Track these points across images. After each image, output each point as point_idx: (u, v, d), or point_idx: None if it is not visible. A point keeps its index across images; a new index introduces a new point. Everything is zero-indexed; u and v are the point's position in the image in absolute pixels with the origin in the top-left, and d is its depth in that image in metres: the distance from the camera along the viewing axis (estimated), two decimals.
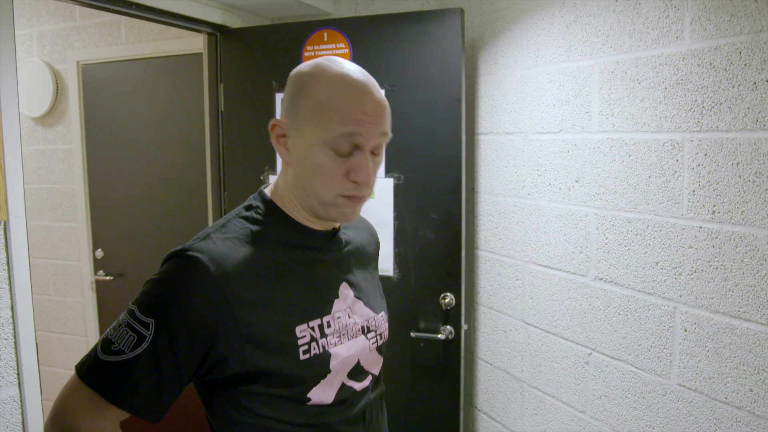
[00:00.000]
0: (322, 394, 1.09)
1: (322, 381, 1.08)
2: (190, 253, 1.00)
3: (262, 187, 1.18)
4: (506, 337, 2.32)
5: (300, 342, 1.05)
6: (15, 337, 1.76)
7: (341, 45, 2.38)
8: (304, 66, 1.08)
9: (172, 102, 3.28)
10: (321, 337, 1.08)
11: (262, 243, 1.07)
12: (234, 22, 2.64)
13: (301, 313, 1.07)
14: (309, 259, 1.13)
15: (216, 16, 2.55)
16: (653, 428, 1.71)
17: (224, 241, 1.04)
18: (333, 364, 1.09)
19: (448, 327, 2.35)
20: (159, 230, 3.39)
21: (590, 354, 1.92)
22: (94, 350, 0.98)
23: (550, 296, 2.08)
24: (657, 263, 1.68)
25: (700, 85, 1.53)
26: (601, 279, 1.86)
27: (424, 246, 2.33)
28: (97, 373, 0.95)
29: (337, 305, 1.14)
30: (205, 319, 0.98)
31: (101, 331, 3.58)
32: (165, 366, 0.97)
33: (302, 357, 1.05)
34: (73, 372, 0.99)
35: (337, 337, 1.11)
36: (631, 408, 1.79)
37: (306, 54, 2.44)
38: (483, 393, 2.50)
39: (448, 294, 2.34)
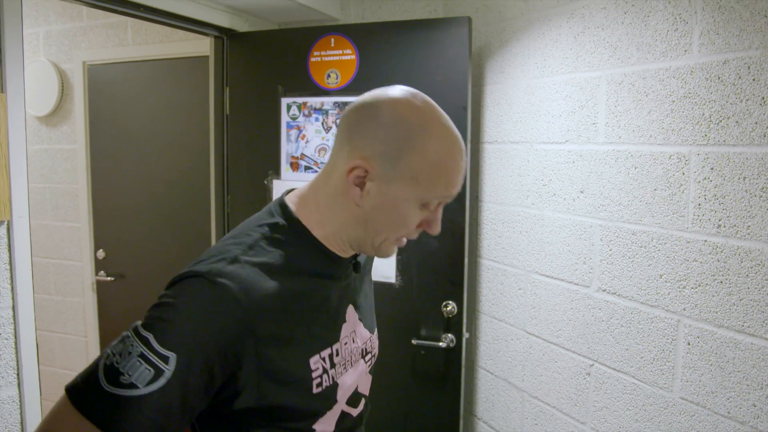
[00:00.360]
0: (326, 425, 1.06)
1: (327, 413, 1.05)
2: (221, 280, 0.90)
3: (284, 197, 1.07)
4: (507, 346, 2.32)
5: (314, 375, 1.01)
6: (16, 337, 1.76)
7: (348, 51, 2.38)
8: (404, 107, 0.97)
9: (177, 104, 3.28)
10: (331, 368, 1.04)
11: (287, 271, 0.98)
12: (241, 26, 2.64)
13: (316, 343, 1.03)
14: (327, 287, 1.06)
15: (223, 20, 2.55)
16: None
17: (252, 267, 0.95)
18: (339, 394, 1.07)
19: (449, 335, 2.35)
20: (161, 232, 3.39)
21: (592, 365, 1.92)
22: (93, 377, 0.86)
23: (552, 306, 2.08)
24: (661, 276, 1.67)
25: (707, 98, 1.53)
26: (605, 290, 1.86)
27: (426, 253, 2.33)
28: (98, 405, 0.85)
29: (344, 330, 1.10)
30: (228, 353, 0.90)
31: (101, 332, 3.58)
32: (178, 402, 0.88)
33: (315, 390, 1.01)
34: (62, 394, 0.88)
35: (342, 366, 1.08)
36: (632, 420, 1.78)
37: (313, 60, 2.44)
38: (483, 402, 2.49)
39: (450, 302, 2.33)
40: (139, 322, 0.90)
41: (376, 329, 1.25)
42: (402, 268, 2.38)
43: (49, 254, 3.74)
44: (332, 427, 1.07)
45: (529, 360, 2.20)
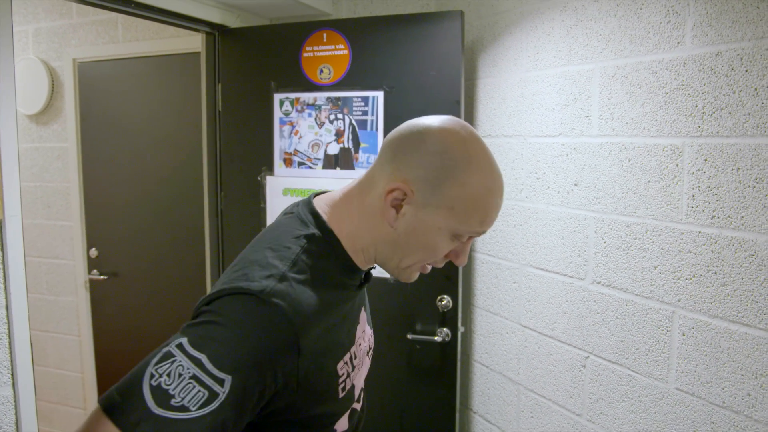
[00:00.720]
0: (343, 423, 1.08)
1: (346, 412, 1.08)
2: (276, 301, 0.89)
3: (313, 202, 1.08)
4: (503, 339, 2.33)
5: (340, 381, 1.03)
6: (9, 337, 1.75)
7: (341, 46, 2.38)
8: (450, 138, 0.98)
9: (168, 101, 3.27)
10: (351, 371, 1.07)
11: (323, 285, 0.99)
12: (233, 21, 2.63)
13: (341, 350, 1.04)
14: (351, 297, 1.09)
15: (215, 16, 2.54)
16: None
17: (299, 284, 0.95)
18: (355, 393, 1.11)
19: (444, 329, 2.35)
20: (154, 230, 3.37)
21: (587, 357, 1.92)
22: (138, 398, 0.80)
23: (547, 299, 2.08)
24: (655, 267, 1.68)
25: (700, 90, 1.53)
26: (599, 283, 1.86)
27: None
28: (146, 427, 0.79)
29: (358, 331, 1.12)
30: (278, 372, 0.89)
31: (95, 331, 3.57)
32: (231, 423, 0.85)
33: (340, 395, 1.03)
34: (96, 410, 0.83)
35: (357, 368, 1.10)
36: (627, 411, 1.79)
37: (305, 55, 2.44)
38: (479, 395, 2.50)
39: (445, 296, 2.34)
40: (183, 339, 0.85)
41: (372, 326, 1.28)
42: None
43: (41, 253, 3.72)
44: (347, 423, 1.09)
45: (524, 353, 2.21)
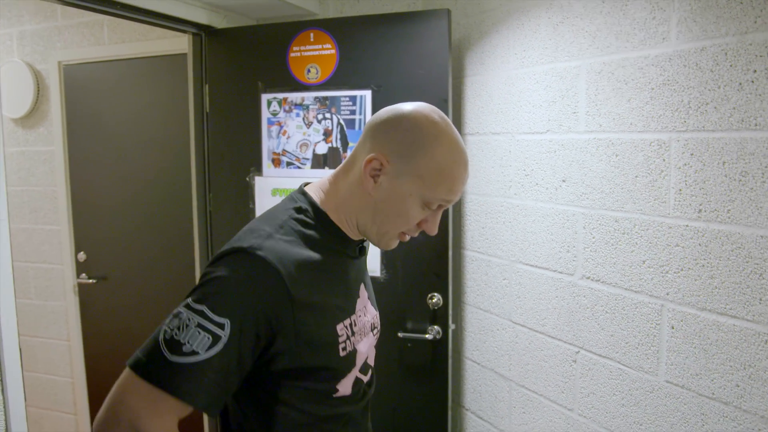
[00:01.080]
0: (345, 386, 1.19)
1: (348, 375, 1.18)
2: (260, 253, 1.03)
3: (304, 187, 1.23)
4: (494, 336, 2.34)
5: (340, 340, 1.14)
6: None
7: (327, 46, 2.38)
8: (420, 116, 1.12)
9: (156, 103, 3.25)
10: (352, 335, 1.18)
11: (314, 247, 1.13)
12: (219, 22, 2.63)
13: (340, 312, 1.17)
14: (345, 264, 1.22)
15: (201, 16, 2.53)
16: (641, 425, 1.73)
17: (286, 242, 1.09)
18: (357, 359, 1.21)
19: (435, 327, 2.36)
20: (143, 232, 3.36)
21: (578, 352, 1.94)
22: (156, 351, 0.98)
23: (537, 295, 2.09)
24: (644, 262, 1.69)
25: (686, 85, 1.55)
26: (589, 278, 1.88)
27: (411, 246, 2.33)
28: (167, 374, 0.97)
29: (359, 304, 1.24)
30: (272, 317, 1.03)
31: (84, 335, 3.55)
32: (235, 364, 1.01)
33: (341, 354, 1.15)
34: (125, 371, 1.00)
35: (359, 335, 1.22)
36: (619, 405, 1.80)
37: (292, 55, 2.44)
38: (471, 392, 2.51)
39: (436, 294, 2.34)
40: (188, 299, 1.02)
41: (377, 309, 1.40)
42: (387, 261, 2.38)
43: (28, 258, 3.70)
44: (350, 389, 1.20)
45: (515, 349, 2.22)
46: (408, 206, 1.13)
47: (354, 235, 1.21)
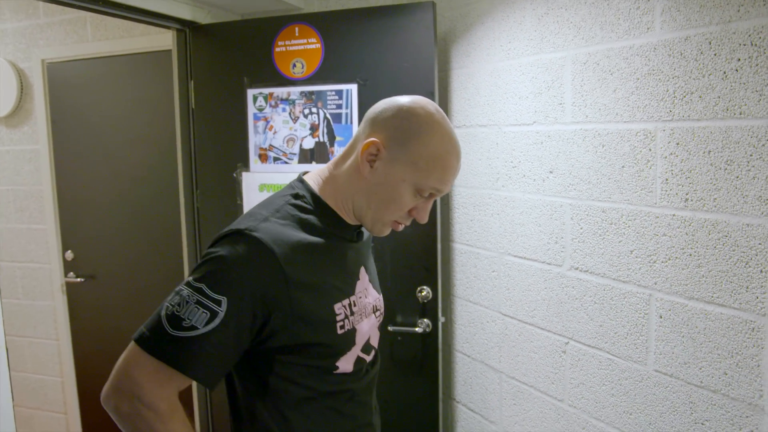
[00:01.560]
0: (346, 364, 1.24)
1: (348, 353, 1.23)
2: (256, 234, 1.10)
3: (303, 176, 1.28)
4: (483, 328, 2.34)
5: (338, 318, 1.19)
6: None
7: (313, 40, 2.37)
8: (417, 106, 1.17)
9: (141, 100, 3.23)
10: (351, 315, 1.23)
11: (310, 230, 1.18)
12: (203, 17, 2.61)
13: (338, 293, 1.22)
14: (343, 247, 1.26)
15: (185, 12, 2.51)
16: (630, 414, 1.74)
17: (281, 225, 1.15)
18: (357, 338, 1.25)
19: (425, 320, 2.36)
20: (130, 230, 3.34)
21: (567, 343, 1.94)
22: (158, 326, 1.05)
23: (526, 287, 2.10)
24: (632, 251, 1.70)
25: (671, 75, 1.55)
26: (577, 268, 1.88)
27: (400, 240, 2.33)
28: (168, 347, 1.04)
29: (359, 286, 1.29)
30: (267, 296, 1.09)
31: (73, 335, 3.53)
32: (232, 339, 1.07)
33: (339, 332, 1.19)
34: (131, 345, 1.07)
35: (359, 316, 1.27)
36: (608, 395, 1.81)
37: (277, 49, 2.42)
38: (461, 385, 2.51)
39: (425, 287, 2.34)
40: (190, 278, 1.09)
41: (381, 293, 1.45)
42: (375, 255, 2.36)
43: (15, 258, 3.67)
44: (351, 366, 1.25)
45: (505, 341, 2.23)
46: (401, 192, 1.18)
47: (351, 220, 1.25)
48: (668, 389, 1.62)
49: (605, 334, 1.80)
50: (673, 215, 1.57)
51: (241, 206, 2.54)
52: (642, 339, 1.69)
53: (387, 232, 1.25)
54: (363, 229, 1.32)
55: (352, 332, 1.24)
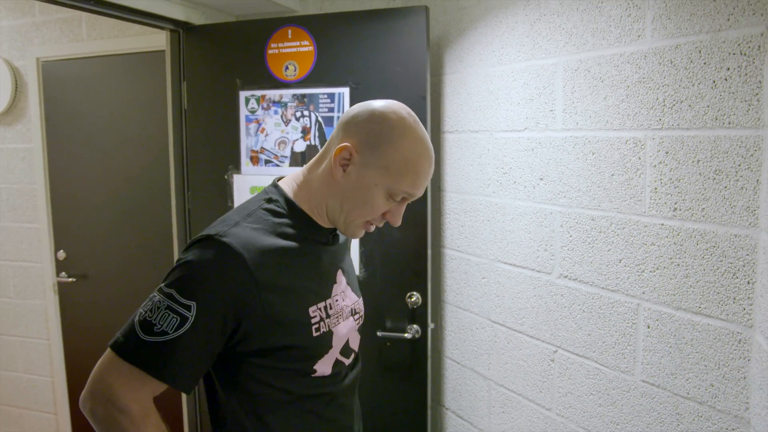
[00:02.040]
0: (324, 367, 1.24)
1: (325, 356, 1.23)
2: (225, 239, 1.10)
3: (277, 181, 1.29)
4: (473, 335, 2.32)
5: (313, 321, 1.20)
6: None
7: (305, 42, 2.36)
8: (389, 111, 1.18)
9: (135, 100, 3.22)
10: (327, 318, 1.23)
11: (283, 234, 1.19)
12: (197, 18, 2.60)
13: (313, 296, 1.22)
14: (317, 251, 1.27)
15: (179, 13, 2.50)
16: (617, 425, 1.72)
17: (252, 229, 1.15)
18: (334, 341, 1.25)
19: (414, 326, 2.34)
20: (123, 230, 3.33)
21: (555, 351, 1.93)
22: (132, 332, 1.07)
23: (515, 294, 2.08)
24: (620, 260, 1.69)
25: (661, 83, 1.54)
26: (566, 277, 1.87)
27: (390, 245, 2.32)
28: (140, 352, 1.06)
29: (335, 289, 1.29)
30: (237, 300, 1.10)
31: (64, 334, 3.51)
32: (202, 343, 1.09)
33: (314, 334, 1.20)
34: (107, 351, 1.10)
35: (336, 318, 1.27)
36: (596, 405, 1.79)
37: (270, 52, 2.41)
38: (450, 391, 2.50)
39: (415, 293, 2.33)
40: (162, 284, 1.11)
41: (360, 296, 1.45)
42: (365, 260, 2.36)
43: (7, 256, 3.66)
44: (329, 369, 1.25)
45: (494, 348, 2.21)
46: (373, 196, 1.19)
47: (324, 223, 1.26)
48: (655, 400, 1.61)
49: (593, 343, 1.79)
50: (662, 224, 1.56)
51: (231, 208, 2.52)
52: (630, 349, 1.67)
53: (361, 233, 1.27)
54: (338, 232, 1.33)
55: (329, 335, 1.24)
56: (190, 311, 1.06)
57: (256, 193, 1.29)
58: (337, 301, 1.29)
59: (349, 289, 1.37)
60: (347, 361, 1.33)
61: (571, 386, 1.88)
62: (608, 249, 1.72)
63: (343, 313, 1.31)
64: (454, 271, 2.41)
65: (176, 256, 2.75)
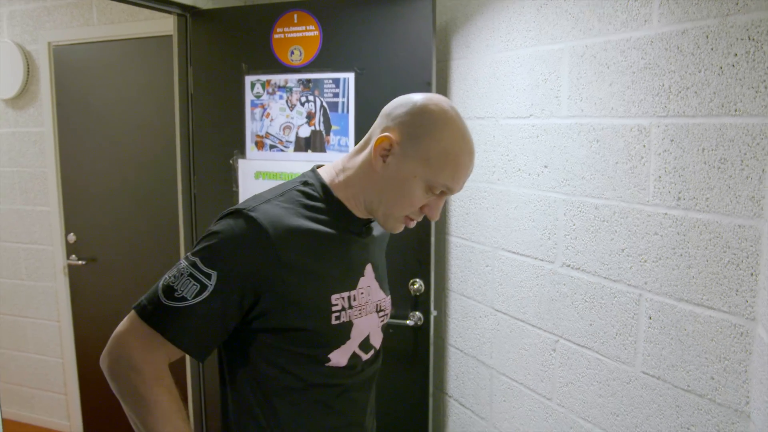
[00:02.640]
0: (339, 357, 1.23)
1: (342, 346, 1.22)
2: (253, 214, 1.12)
3: (316, 168, 1.29)
4: (476, 323, 2.31)
5: (333, 309, 1.19)
6: None
7: (311, 27, 2.34)
8: (431, 103, 1.17)
9: (144, 85, 3.22)
10: (348, 308, 1.22)
11: (313, 218, 1.19)
12: (204, 3, 2.59)
13: (337, 284, 1.21)
14: (347, 240, 1.25)
15: None
16: (617, 416, 1.70)
17: (282, 208, 1.16)
18: (353, 333, 1.24)
19: (417, 313, 2.33)
20: (132, 214, 3.34)
21: (557, 341, 1.91)
22: (155, 295, 1.10)
23: (518, 283, 2.06)
24: (623, 250, 1.66)
25: (667, 69, 1.50)
26: (569, 266, 1.84)
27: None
28: (160, 315, 1.09)
29: (362, 282, 1.28)
30: (258, 275, 1.10)
31: (74, 316, 3.55)
32: (219, 313, 1.10)
33: (333, 322, 1.19)
34: (131, 313, 1.12)
35: (358, 311, 1.25)
36: (596, 395, 1.77)
37: (276, 36, 2.40)
38: (453, 379, 2.49)
39: (417, 280, 2.32)
40: (189, 252, 1.14)
41: (389, 294, 1.43)
42: None
43: (19, 239, 3.70)
44: (345, 360, 1.24)
45: (497, 337, 2.20)
46: (412, 188, 1.17)
47: (361, 214, 1.25)
48: (655, 392, 1.58)
49: (595, 333, 1.77)
50: (665, 214, 1.53)
51: (237, 193, 2.53)
52: (631, 340, 1.65)
53: (400, 228, 1.25)
54: (374, 224, 1.33)
55: (348, 325, 1.23)
56: (210, 280, 1.08)
57: (293, 178, 1.29)
58: (362, 294, 1.27)
59: (377, 284, 1.35)
60: (365, 357, 1.30)
61: (571, 376, 1.86)
62: (611, 238, 1.70)
63: (367, 307, 1.29)
64: (458, 259, 2.40)
65: (182, 241, 2.76)
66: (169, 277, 1.12)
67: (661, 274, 1.55)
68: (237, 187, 2.53)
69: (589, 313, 1.78)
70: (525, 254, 2.02)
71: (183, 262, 1.12)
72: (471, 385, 2.37)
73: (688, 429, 1.50)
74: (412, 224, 1.25)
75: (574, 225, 1.82)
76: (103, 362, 1.12)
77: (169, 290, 1.10)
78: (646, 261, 1.59)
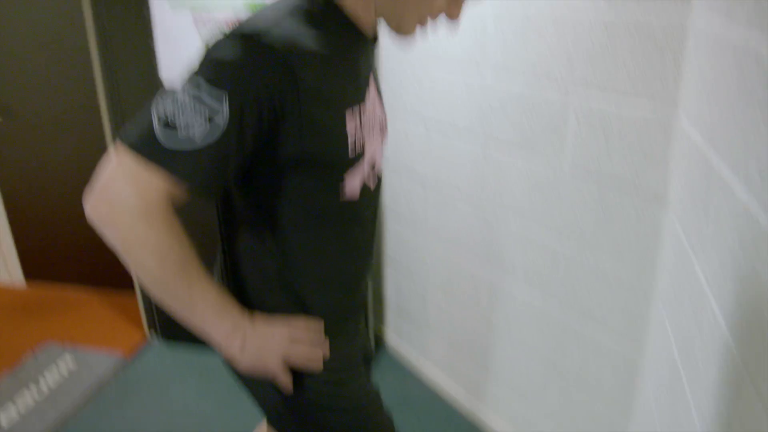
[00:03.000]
0: (353, 180, 1.16)
1: (356, 164, 1.15)
2: (265, 38, 0.97)
3: None
4: (408, 140, 2.34)
5: (348, 126, 1.10)
6: None
7: None
8: None
9: None
10: (359, 125, 1.13)
11: (323, 36, 1.06)
12: None
13: (348, 97, 1.11)
14: (355, 54, 1.15)
15: None
16: (546, 210, 1.80)
17: (294, 29, 1.02)
18: (367, 150, 1.17)
19: None
20: (38, 57, 3.11)
21: (486, 147, 1.95)
22: (150, 133, 0.93)
23: (449, 95, 2.07)
24: (551, 52, 1.66)
25: None
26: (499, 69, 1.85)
27: None
28: (164, 156, 0.93)
29: (368, 94, 1.19)
30: (275, 97, 0.98)
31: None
32: (234, 141, 0.96)
33: (349, 139, 1.10)
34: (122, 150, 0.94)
35: (369, 128, 1.18)
36: (526, 195, 1.86)
37: None
38: (389, 200, 2.55)
39: None
40: (187, 79, 0.96)
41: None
42: None
43: None
44: (357, 183, 1.18)
45: (429, 149, 2.23)
46: None
47: (368, 21, 1.14)
48: (582, 190, 1.66)
49: (523, 135, 1.81)
50: (595, 11, 1.52)
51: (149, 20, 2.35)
52: (559, 142, 1.70)
53: (414, 33, 1.14)
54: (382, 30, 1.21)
55: (361, 141, 1.15)
56: (221, 104, 0.93)
57: None
58: (369, 107, 1.19)
59: (378, 100, 1.27)
60: (372, 185, 1.26)
61: (503, 182, 1.93)
62: (539, 42, 1.69)
63: (373, 125, 1.21)
64: (387, 73, 2.37)
65: (98, 79, 2.61)
66: (166, 104, 0.95)
67: (589, 73, 1.57)
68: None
69: (521, 118, 1.81)
70: (456, 72, 2.01)
71: (182, 86, 0.96)
72: (404, 199, 2.45)
73: (612, 214, 1.60)
74: (427, 29, 1.15)
75: (503, 32, 1.80)
76: (86, 204, 0.95)
77: (168, 128, 0.93)
78: (574, 62, 1.60)
